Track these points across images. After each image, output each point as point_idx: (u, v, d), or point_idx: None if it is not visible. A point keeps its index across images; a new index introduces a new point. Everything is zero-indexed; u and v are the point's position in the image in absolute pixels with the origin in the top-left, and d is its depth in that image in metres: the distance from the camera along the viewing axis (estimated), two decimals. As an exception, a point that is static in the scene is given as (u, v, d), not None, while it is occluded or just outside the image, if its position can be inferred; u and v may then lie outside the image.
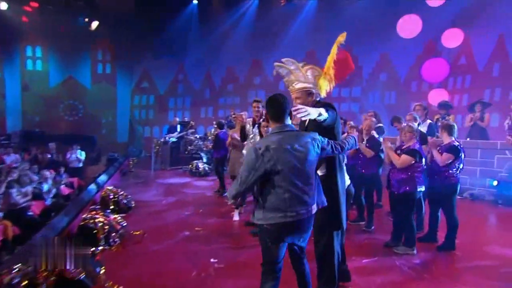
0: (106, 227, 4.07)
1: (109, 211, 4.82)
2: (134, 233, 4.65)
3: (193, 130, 12.28)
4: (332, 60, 2.93)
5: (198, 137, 12.01)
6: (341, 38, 2.96)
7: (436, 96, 9.84)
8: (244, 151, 5.10)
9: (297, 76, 2.85)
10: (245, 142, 5.12)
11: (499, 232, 5.11)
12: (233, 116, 6.55)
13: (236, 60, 14.79)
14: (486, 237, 4.88)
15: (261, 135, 4.63)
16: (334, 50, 2.93)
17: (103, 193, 5.67)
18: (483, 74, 10.68)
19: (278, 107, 2.37)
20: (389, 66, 12.92)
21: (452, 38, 10.12)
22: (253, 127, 4.97)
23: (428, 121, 6.29)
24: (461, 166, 4.20)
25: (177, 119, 12.84)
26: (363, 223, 5.13)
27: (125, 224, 4.60)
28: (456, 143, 4.17)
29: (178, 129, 12.04)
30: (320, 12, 13.47)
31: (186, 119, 13.56)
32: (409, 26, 10.20)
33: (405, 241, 4.12)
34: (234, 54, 14.42)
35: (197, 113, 15.52)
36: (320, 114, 2.42)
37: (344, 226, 2.81)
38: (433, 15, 10.45)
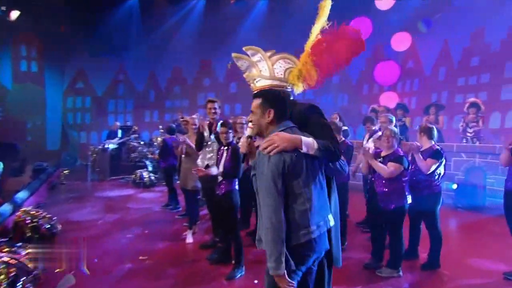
0: (12, 269, 3.00)
1: (19, 244, 3.69)
2: (56, 271, 3.59)
3: (136, 135, 11.15)
4: (311, 45, 2.23)
5: (142, 143, 10.90)
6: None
7: (387, 99, 9.87)
8: (198, 161, 4.27)
9: (261, 70, 2.18)
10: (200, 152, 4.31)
11: (475, 242, 4.85)
12: (182, 119, 5.68)
13: (183, 60, 13.85)
14: (465, 249, 4.56)
15: (220, 142, 3.87)
16: (319, 22, 2.19)
17: (16, 217, 4.46)
18: (430, 78, 10.97)
19: (284, 103, 2.08)
20: (341, 69, 12.85)
21: (401, 41, 10.24)
22: (210, 133, 4.18)
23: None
24: (442, 172, 3.82)
25: (118, 123, 11.69)
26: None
27: (43, 260, 3.54)
28: (438, 147, 3.78)
29: (119, 135, 10.90)
30: (271, 11, 13.05)
31: (128, 124, 12.38)
32: (360, 28, 10.12)
33: (390, 261, 3.60)
34: (181, 53, 13.46)
35: (141, 117, 14.29)
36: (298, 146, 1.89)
37: (340, 263, 2.15)
38: (382, 18, 10.51)
